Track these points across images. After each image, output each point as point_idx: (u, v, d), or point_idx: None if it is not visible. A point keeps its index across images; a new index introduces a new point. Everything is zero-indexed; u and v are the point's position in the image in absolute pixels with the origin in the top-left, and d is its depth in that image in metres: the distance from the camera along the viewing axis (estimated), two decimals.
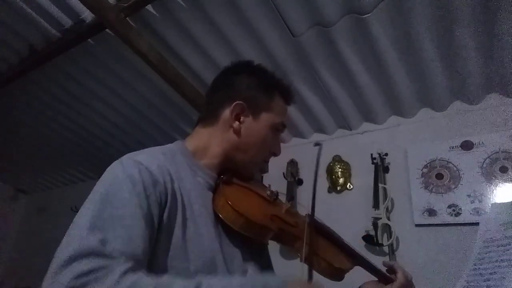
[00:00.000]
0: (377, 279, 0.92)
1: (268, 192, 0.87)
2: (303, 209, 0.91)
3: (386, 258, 1.71)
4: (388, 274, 0.91)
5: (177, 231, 0.67)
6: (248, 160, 0.85)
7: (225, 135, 0.83)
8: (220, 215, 0.75)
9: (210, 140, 0.84)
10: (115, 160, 0.70)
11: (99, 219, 0.57)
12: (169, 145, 0.82)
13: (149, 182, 0.65)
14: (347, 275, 0.85)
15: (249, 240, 0.78)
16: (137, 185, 0.63)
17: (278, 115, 0.86)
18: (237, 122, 0.82)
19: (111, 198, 0.60)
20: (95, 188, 0.64)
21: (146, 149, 0.76)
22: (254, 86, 0.85)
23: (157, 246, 0.64)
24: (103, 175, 0.67)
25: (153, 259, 0.63)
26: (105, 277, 0.50)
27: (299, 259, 0.76)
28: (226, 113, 0.83)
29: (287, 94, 0.90)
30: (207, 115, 0.87)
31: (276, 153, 0.90)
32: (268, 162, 0.90)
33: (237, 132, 0.82)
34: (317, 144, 0.94)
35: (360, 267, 0.91)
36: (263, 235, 0.78)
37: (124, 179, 0.63)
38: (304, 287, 0.64)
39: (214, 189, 0.81)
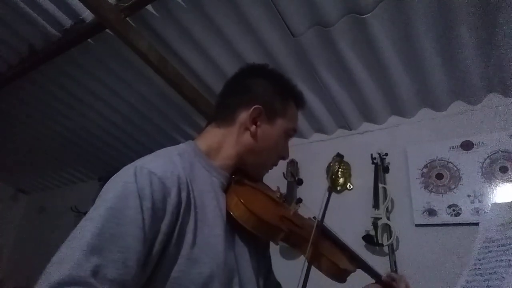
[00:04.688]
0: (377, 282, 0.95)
1: (278, 194, 0.90)
2: (308, 211, 0.93)
3: (386, 258, 1.71)
4: (387, 279, 0.94)
5: (189, 237, 0.67)
6: (260, 163, 0.88)
7: (240, 137, 0.84)
8: (233, 214, 0.75)
9: (224, 141, 0.84)
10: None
11: (100, 237, 0.56)
12: (181, 145, 0.82)
13: (160, 196, 0.64)
14: (348, 278, 0.87)
15: (256, 239, 0.80)
16: (145, 201, 0.62)
17: (291, 121, 0.89)
18: (254, 126, 0.83)
19: (117, 214, 0.60)
20: (103, 196, 0.63)
21: (161, 151, 0.76)
22: (271, 91, 0.87)
23: (165, 257, 0.64)
24: (113, 179, 0.66)
25: (157, 270, 0.63)
26: None
27: (302, 258, 0.78)
28: (243, 115, 0.84)
29: (300, 101, 0.92)
30: (222, 116, 0.87)
31: (285, 157, 0.92)
32: (276, 165, 0.92)
33: (254, 135, 0.83)
34: (329, 188, 0.96)
35: (360, 270, 0.93)
36: (273, 235, 0.79)
37: (134, 192, 0.62)
38: None
39: (226, 189, 0.82)
